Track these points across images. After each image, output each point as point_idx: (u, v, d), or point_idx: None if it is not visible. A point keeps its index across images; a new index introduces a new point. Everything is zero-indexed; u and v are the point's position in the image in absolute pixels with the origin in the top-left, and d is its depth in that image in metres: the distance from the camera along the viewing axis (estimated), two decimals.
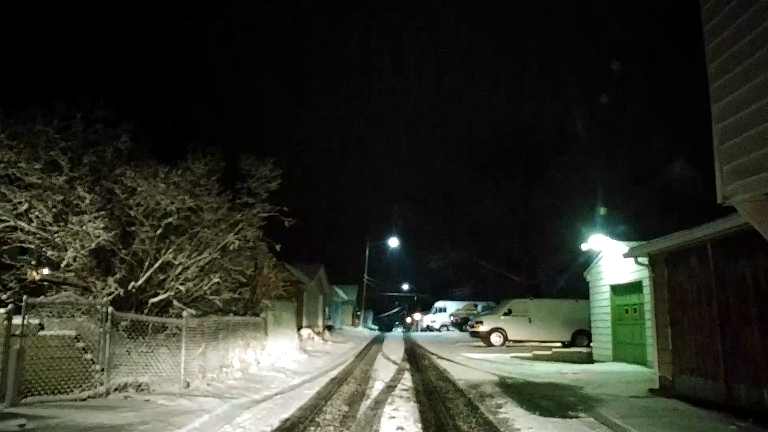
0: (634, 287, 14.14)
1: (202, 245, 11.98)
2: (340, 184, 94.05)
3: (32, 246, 10.39)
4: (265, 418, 7.39)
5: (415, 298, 65.79)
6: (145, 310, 10.67)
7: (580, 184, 33.74)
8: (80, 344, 8.27)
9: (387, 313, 65.43)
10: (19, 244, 10.44)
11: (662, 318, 9.95)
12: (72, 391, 7.81)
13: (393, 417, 7.52)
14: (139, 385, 8.64)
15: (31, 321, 7.79)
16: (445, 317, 45.35)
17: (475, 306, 42.53)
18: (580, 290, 20.07)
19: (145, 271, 11.00)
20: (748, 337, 7.51)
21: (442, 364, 16.04)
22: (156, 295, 11.08)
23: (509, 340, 24.11)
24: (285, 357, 15.69)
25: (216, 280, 12.27)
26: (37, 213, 9.91)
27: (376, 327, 55.74)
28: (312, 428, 6.81)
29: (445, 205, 40.60)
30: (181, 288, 11.37)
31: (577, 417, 7.58)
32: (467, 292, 47.57)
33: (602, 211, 26.70)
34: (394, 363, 16.06)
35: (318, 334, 25.67)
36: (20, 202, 9.77)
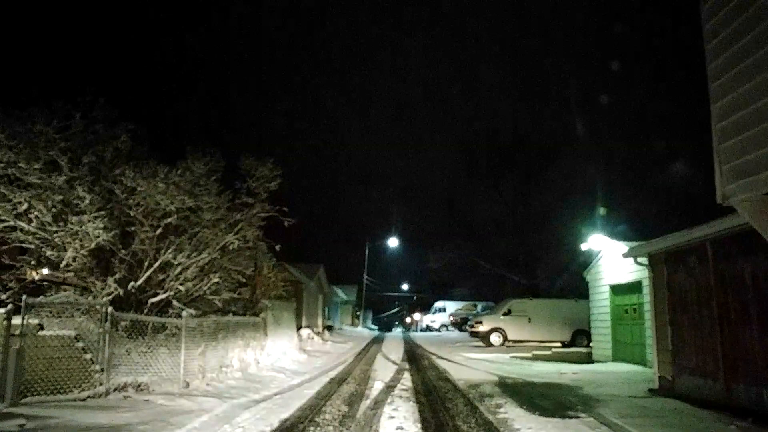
0: (634, 287, 14.15)
1: (202, 245, 11.97)
2: (340, 184, 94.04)
3: (32, 246, 10.38)
4: (264, 417, 7.39)
5: (415, 298, 65.79)
6: (145, 310, 10.66)
7: (580, 184, 33.74)
8: (80, 344, 8.27)
9: (387, 313, 65.38)
10: (18, 244, 10.43)
11: (662, 318, 9.96)
12: (71, 391, 7.80)
13: (392, 417, 7.51)
14: (139, 385, 8.64)
15: (30, 321, 7.78)
16: (444, 317, 45.34)
17: (475, 306, 42.52)
18: (580, 290, 20.08)
19: (145, 271, 11.00)
20: (747, 336, 7.52)
21: (442, 364, 16.04)
22: (156, 295, 11.08)
23: (509, 340, 24.10)
24: (284, 357, 15.69)
25: (216, 280, 12.26)
26: (36, 213, 9.90)
27: (376, 327, 55.69)
28: (311, 428, 6.81)
29: (445, 204, 40.54)
30: (181, 288, 11.37)
31: (576, 417, 7.57)
32: (467, 292, 47.50)
33: (602, 211, 26.66)
34: (394, 363, 16.06)
35: (317, 334, 25.66)
36: (20, 202, 9.76)
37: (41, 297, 9.15)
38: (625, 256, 11.66)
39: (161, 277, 11.37)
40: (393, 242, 48.39)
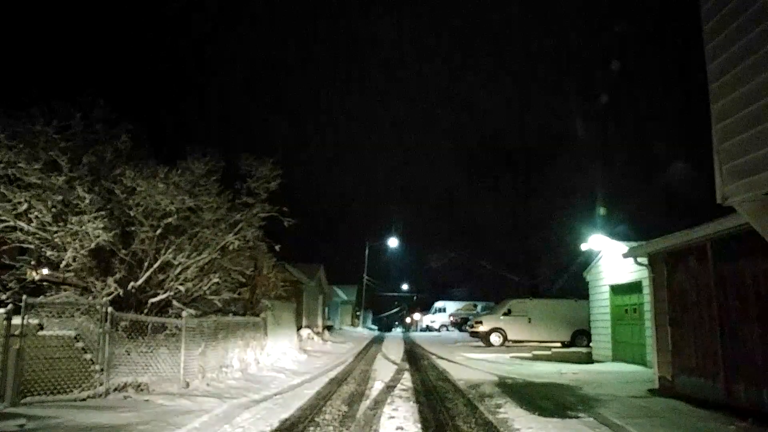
0: (634, 287, 14.15)
1: (202, 245, 11.98)
2: (339, 184, 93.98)
3: (32, 246, 10.38)
4: (264, 418, 7.39)
5: (415, 298, 65.89)
6: (145, 310, 10.66)
7: (580, 184, 33.75)
8: (80, 344, 8.27)
9: (386, 313, 65.38)
10: (18, 244, 10.43)
11: (662, 318, 9.96)
12: (71, 391, 7.81)
13: (392, 417, 7.52)
14: (139, 385, 8.64)
15: (30, 321, 7.79)
16: (444, 317, 45.38)
17: (475, 306, 42.59)
18: (580, 290, 20.07)
19: (145, 271, 11.00)
20: (747, 336, 7.52)
21: (442, 364, 16.04)
22: (156, 295, 11.08)
23: (509, 340, 24.11)
24: (284, 357, 15.69)
25: (215, 280, 12.27)
26: (36, 213, 9.91)
27: (376, 327, 55.72)
28: (311, 428, 6.81)
29: (445, 205, 40.65)
30: (181, 288, 11.37)
31: (576, 417, 7.58)
32: (467, 292, 47.60)
33: (602, 211, 26.68)
34: (394, 363, 16.05)
35: (317, 334, 25.67)
36: (20, 202, 9.77)
37: (41, 297, 9.16)
38: (625, 256, 11.66)
39: (161, 277, 11.38)
40: (393, 242, 48.41)
